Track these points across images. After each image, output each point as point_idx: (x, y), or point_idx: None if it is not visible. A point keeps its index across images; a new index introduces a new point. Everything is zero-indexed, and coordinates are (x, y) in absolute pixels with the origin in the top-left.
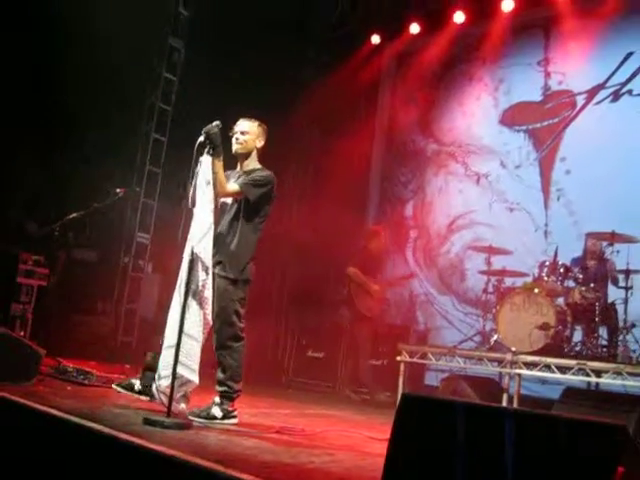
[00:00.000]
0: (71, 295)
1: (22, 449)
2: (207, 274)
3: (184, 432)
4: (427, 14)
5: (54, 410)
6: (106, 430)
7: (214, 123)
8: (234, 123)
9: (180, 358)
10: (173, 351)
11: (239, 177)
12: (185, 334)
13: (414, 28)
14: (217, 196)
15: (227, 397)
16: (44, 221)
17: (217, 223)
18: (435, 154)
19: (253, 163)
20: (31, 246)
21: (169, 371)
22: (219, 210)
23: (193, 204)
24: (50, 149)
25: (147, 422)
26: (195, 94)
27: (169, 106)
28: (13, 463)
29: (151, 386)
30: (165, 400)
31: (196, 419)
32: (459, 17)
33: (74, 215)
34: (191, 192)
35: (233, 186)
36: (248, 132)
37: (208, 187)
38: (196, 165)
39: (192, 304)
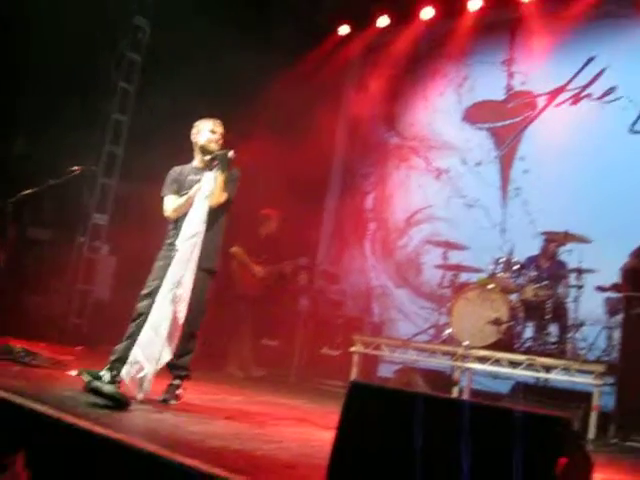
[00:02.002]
0: (23, 274)
1: None
2: (184, 273)
3: (131, 415)
4: (396, 8)
5: None
6: (51, 412)
7: (230, 151)
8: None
9: (141, 346)
10: (140, 344)
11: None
12: (150, 325)
13: (382, 21)
14: (214, 204)
15: (186, 379)
16: None
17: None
18: (397, 148)
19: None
20: None
21: (134, 360)
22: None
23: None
24: (8, 125)
25: (89, 388)
26: (159, 75)
27: (132, 86)
28: None
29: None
30: (131, 386)
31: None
32: (428, 12)
33: (28, 191)
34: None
35: (224, 195)
36: (223, 134)
37: (206, 200)
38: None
39: (162, 300)
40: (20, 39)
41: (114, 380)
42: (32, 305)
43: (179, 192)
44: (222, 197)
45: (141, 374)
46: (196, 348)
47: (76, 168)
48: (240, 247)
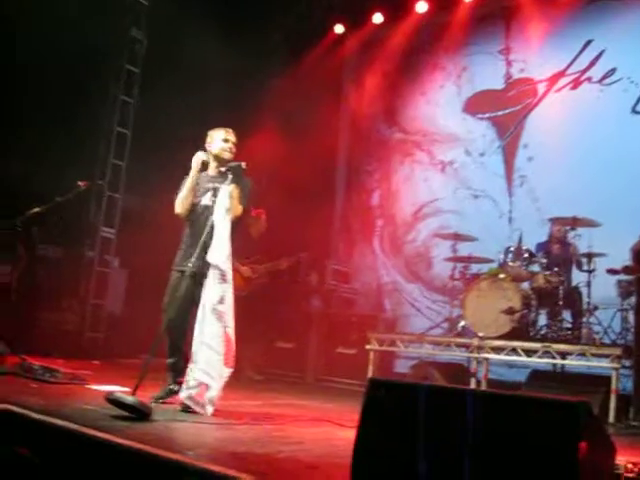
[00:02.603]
0: (35, 292)
1: None
2: (224, 289)
3: (152, 425)
4: (390, 4)
5: (16, 407)
6: (72, 426)
7: (243, 163)
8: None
9: (201, 366)
10: (199, 364)
11: (222, 181)
12: (204, 344)
13: (377, 18)
14: (234, 218)
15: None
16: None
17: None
18: (400, 143)
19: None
20: None
21: (196, 382)
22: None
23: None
24: (10, 143)
25: (109, 400)
26: (158, 86)
27: (131, 98)
28: None
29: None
30: (195, 407)
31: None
32: (421, 7)
33: (36, 210)
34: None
35: (240, 208)
36: (235, 142)
37: (227, 215)
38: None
39: (210, 317)
40: (20, 55)
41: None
42: (47, 322)
43: (195, 198)
44: (239, 210)
45: (209, 394)
46: None
47: (82, 183)
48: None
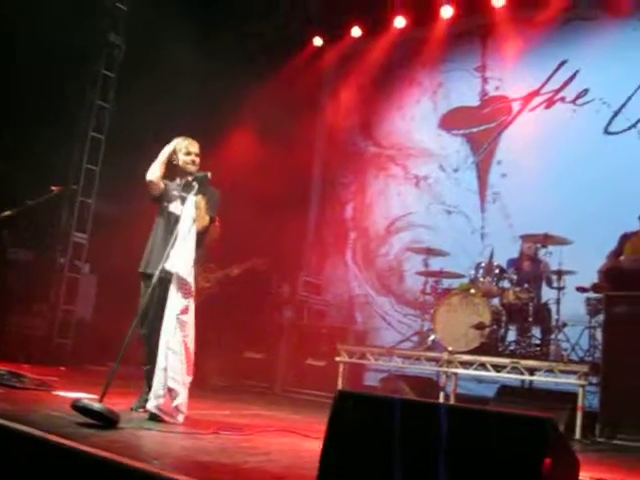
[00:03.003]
0: (5, 296)
1: None
2: (188, 301)
3: (118, 433)
4: (369, 18)
5: None
6: (38, 433)
7: (209, 173)
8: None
9: (169, 373)
10: (167, 370)
11: (189, 191)
12: (170, 350)
13: (356, 31)
14: (201, 228)
15: None
16: None
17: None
18: (375, 157)
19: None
20: None
21: (164, 391)
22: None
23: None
24: None
25: (75, 407)
26: (133, 91)
27: (107, 103)
28: None
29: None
30: (164, 417)
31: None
32: (400, 22)
33: (7, 213)
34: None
35: (207, 219)
36: (199, 154)
37: (194, 226)
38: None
39: (175, 325)
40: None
41: None
42: (15, 326)
43: (162, 199)
44: (206, 220)
45: (177, 401)
46: None
47: (54, 188)
48: None
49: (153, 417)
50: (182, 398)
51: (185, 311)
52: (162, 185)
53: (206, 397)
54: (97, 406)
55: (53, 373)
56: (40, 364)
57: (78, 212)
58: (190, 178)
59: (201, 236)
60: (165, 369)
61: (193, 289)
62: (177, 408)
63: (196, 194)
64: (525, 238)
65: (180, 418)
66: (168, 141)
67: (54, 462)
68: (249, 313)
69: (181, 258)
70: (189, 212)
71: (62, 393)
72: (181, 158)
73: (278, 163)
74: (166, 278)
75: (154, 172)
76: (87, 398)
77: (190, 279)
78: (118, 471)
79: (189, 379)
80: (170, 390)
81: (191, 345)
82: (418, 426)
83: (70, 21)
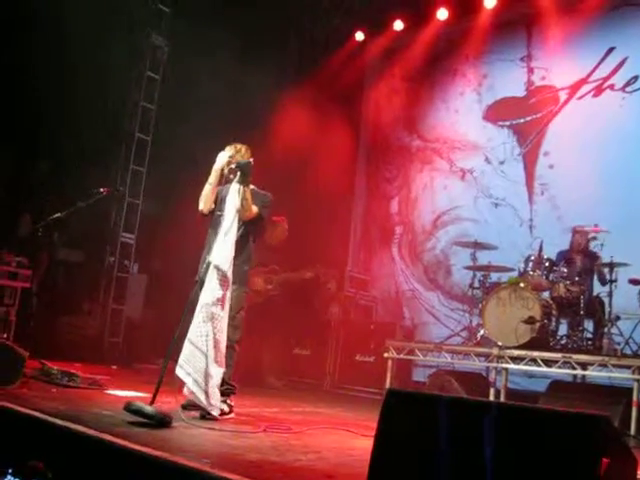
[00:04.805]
0: (56, 296)
1: (7, 452)
2: (223, 293)
3: (170, 432)
4: (411, 11)
5: (38, 413)
6: (91, 432)
7: (251, 160)
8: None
9: (180, 362)
10: (180, 360)
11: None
12: (189, 340)
13: (398, 25)
14: (245, 219)
15: (229, 394)
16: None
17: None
18: (420, 150)
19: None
20: (14, 247)
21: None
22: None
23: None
24: (33, 149)
25: (128, 410)
26: (178, 92)
27: (153, 105)
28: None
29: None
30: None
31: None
32: (442, 14)
33: (58, 215)
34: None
35: (255, 209)
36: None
37: (236, 215)
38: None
39: (200, 315)
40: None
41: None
42: (66, 326)
43: (215, 210)
44: (252, 211)
45: (200, 396)
46: (233, 363)
47: (103, 189)
48: None
49: (185, 406)
50: (210, 391)
51: (217, 303)
52: (213, 206)
53: (254, 394)
54: (149, 409)
55: (105, 372)
56: (92, 363)
57: (126, 213)
58: (233, 166)
59: (251, 230)
60: (180, 358)
61: (231, 282)
62: (206, 400)
63: (239, 182)
64: (576, 230)
65: (214, 412)
66: (214, 141)
67: (106, 461)
68: (296, 309)
69: (221, 250)
70: (232, 200)
71: (114, 392)
72: (226, 169)
73: (323, 159)
74: (203, 278)
75: (205, 203)
76: (139, 398)
77: (225, 269)
78: (169, 470)
79: (220, 370)
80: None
81: (221, 337)
82: (466, 425)
83: (114, 24)
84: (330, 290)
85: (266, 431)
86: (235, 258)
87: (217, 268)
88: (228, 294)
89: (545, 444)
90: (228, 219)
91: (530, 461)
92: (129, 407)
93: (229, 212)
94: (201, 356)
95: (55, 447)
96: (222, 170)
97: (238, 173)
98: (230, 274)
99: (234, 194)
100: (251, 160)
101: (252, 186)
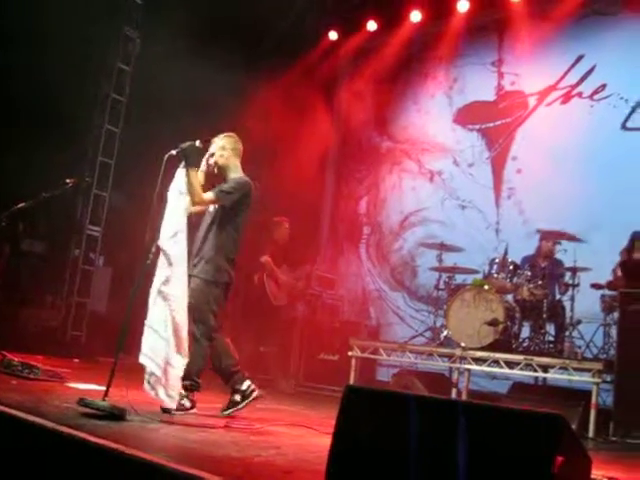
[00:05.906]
0: (19, 287)
1: None
2: (171, 271)
3: (130, 425)
4: (384, 12)
5: None
6: (49, 424)
7: (196, 142)
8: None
9: (144, 350)
10: (142, 349)
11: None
12: (149, 327)
13: (371, 25)
14: (194, 204)
15: (192, 390)
16: None
17: (197, 228)
18: (390, 151)
19: (232, 172)
20: None
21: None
22: (199, 216)
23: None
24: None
25: (81, 405)
26: (149, 85)
27: (123, 97)
28: None
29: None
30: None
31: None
32: (416, 16)
33: (22, 205)
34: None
35: (209, 195)
36: (214, 151)
37: (181, 196)
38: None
39: (157, 299)
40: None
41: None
42: (28, 318)
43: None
44: (199, 196)
45: (161, 382)
46: (203, 359)
47: (70, 180)
48: (268, 257)
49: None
50: (170, 382)
51: (167, 282)
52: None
53: (218, 390)
54: (101, 403)
55: (66, 365)
56: (53, 356)
57: (92, 205)
58: (174, 152)
59: (225, 218)
60: (142, 347)
61: (175, 260)
62: (165, 392)
63: (185, 167)
64: (543, 235)
65: (172, 405)
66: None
67: (64, 453)
68: (262, 308)
69: (163, 230)
70: (178, 184)
71: (74, 385)
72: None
73: (292, 158)
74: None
75: (196, 204)
76: (97, 392)
77: (166, 247)
78: (126, 462)
79: (181, 360)
80: (150, 372)
81: (181, 319)
82: (434, 423)
83: (87, 14)
84: (296, 288)
85: (227, 427)
86: (203, 244)
87: (161, 248)
88: (176, 273)
89: (505, 441)
90: (171, 198)
91: (493, 458)
92: (82, 402)
93: (172, 191)
94: (162, 341)
95: (12, 438)
96: (208, 166)
97: (183, 158)
98: (171, 252)
99: (179, 178)
100: (196, 142)
101: (233, 174)
